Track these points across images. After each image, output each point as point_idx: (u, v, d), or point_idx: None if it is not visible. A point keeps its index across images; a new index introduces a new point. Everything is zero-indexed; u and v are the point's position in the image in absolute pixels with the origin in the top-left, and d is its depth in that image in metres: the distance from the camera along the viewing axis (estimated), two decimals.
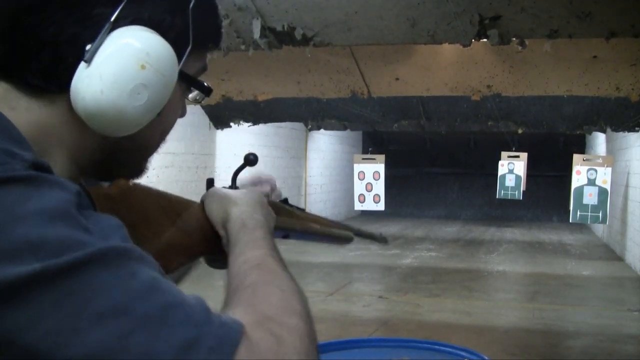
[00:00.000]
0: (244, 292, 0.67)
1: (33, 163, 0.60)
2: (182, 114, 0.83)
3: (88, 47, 0.66)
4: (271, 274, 0.72)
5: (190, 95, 0.82)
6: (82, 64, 0.66)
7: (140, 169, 0.82)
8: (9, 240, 0.53)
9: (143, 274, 0.57)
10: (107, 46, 0.67)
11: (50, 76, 0.68)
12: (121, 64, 0.67)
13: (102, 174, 0.78)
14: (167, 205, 0.86)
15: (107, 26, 0.67)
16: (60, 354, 0.52)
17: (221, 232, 0.84)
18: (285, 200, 1.02)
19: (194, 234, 0.84)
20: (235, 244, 0.78)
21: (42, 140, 0.68)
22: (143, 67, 0.67)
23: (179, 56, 0.72)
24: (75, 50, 0.67)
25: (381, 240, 1.29)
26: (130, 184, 0.82)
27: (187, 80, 0.77)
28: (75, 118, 0.69)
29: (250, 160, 0.93)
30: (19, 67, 0.68)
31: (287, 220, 0.98)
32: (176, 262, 0.84)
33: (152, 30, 0.70)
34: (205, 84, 0.81)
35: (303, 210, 1.04)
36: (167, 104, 0.73)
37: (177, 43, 0.72)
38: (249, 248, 0.77)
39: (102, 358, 0.52)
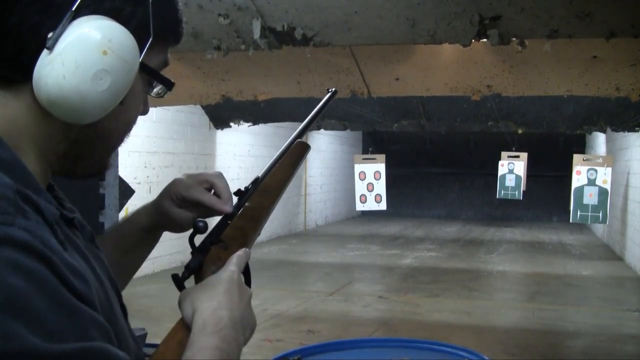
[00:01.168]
0: None
1: (22, 197, 0.62)
2: (145, 111, 0.83)
3: (50, 35, 0.67)
4: None
5: (154, 91, 0.82)
6: (45, 52, 0.67)
7: (102, 164, 0.81)
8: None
9: None
10: (69, 34, 0.68)
11: (15, 65, 0.69)
12: (83, 49, 0.68)
13: (66, 169, 0.78)
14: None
15: (68, 15, 0.68)
16: None
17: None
18: (239, 192, 0.97)
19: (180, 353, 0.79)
20: (190, 345, 0.76)
21: (14, 136, 0.69)
22: (105, 52, 0.68)
23: (140, 47, 0.73)
24: (37, 38, 0.68)
25: (332, 94, 1.19)
26: None
27: (148, 73, 0.78)
28: (39, 108, 0.70)
29: (200, 227, 0.89)
30: None
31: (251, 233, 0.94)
32: None
33: (112, 19, 0.71)
34: (167, 77, 0.81)
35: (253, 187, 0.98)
36: (129, 94, 0.74)
37: (138, 33, 0.73)
38: (200, 354, 0.75)
39: None
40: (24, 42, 0.68)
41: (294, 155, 1.05)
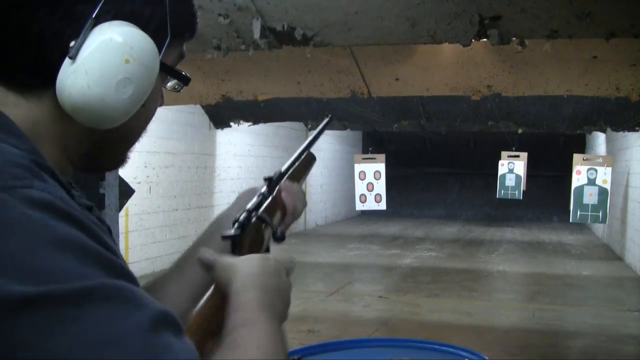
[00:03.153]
0: None
1: (37, 164, 0.63)
2: (161, 102, 0.84)
3: (72, 43, 0.68)
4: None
5: (169, 84, 0.83)
6: (67, 60, 0.68)
7: (122, 160, 0.83)
8: (20, 263, 0.55)
9: (145, 311, 0.58)
10: (91, 42, 0.68)
11: (35, 72, 0.69)
12: (106, 58, 0.68)
13: (87, 165, 0.80)
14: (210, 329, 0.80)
15: (89, 22, 0.68)
16: None
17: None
18: (269, 179, 1.02)
19: (212, 317, 0.80)
20: (228, 316, 0.75)
21: (33, 134, 0.69)
22: (127, 61, 0.69)
23: (159, 47, 0.74)
24: (59, 46, 0.68)
25: (329, 121, 1.30)
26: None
27: (166, 71, 0.79)
28: (61, 112, 0.70)
29: (278, 239, 0.95)
30: (5, 64, 0.69)
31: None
32: (206, 347, 0.78)
33: (133, 25, 0.71)
34: (183, 72, 0.82)
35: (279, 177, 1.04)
36: (150, 95, 0.75)
37: (157, 35, 0.74)
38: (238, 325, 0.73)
39: None
40: (45, 50, 0.69)
41: (303, 164, 1.13)
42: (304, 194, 1.08)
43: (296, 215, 1.04)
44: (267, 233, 0.95)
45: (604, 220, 8.61)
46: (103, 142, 0.76)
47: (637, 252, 9.46)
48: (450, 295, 7.65)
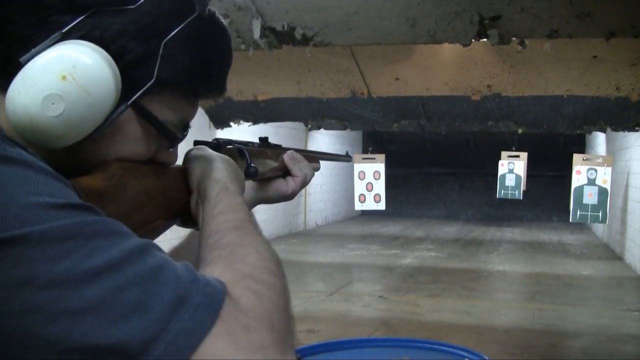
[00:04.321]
0: (222, 250, 0.70)
1: (6, 137, 0.63)
2: (170, 161, 0.83)
3: (32, 50, 0.67)
4: (249, 236, 0.73)
5: (168, 145, 0.81)
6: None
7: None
8: (3, 213, 0.55)
9: (134, 239, 0.60)
10: (46, 53, 0.66)
11: (2, 72, 0.68)
12: (42, 69, 0.65)
13: None
14: (156, 191, 0.81)
15: (56, 35, 0.67)
16: (57, 308, 0.54)
17: (194, 190, 0.84)
18: (265, 139, 1.09)
19: (170, 196, 0.83)
20: (217, 204, 0.78)
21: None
22: (64, 77, 0.65)
23: (135, 86, 0.71)
24: (24, 51, 0.67)
25: (346, 158, 1.39)
26: (120, 172, 0.75)
27: (146, 117, 0.74)
28: None
29: (251, 173, 0.96)
30: None
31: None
32: (151, 226, 0.80)
33: (96, 48, 0.68)
34: (179, 134, 0.80)
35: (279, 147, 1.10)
36: (115, 132, 0.72)
37: (134, 71, 0.71)
38: (230, 210, 0.77)
39: (98, 311, 0.55)
40: (12, 52, 0.68)
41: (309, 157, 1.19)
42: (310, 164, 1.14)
43: (306, 181, 1.10)
44: (241, 164, 0.97)
45: (603, 221, 8.60)
46: (56, 168, 0.71)
47: (637, 252, 9.46)
48: (450, 295, 7.65)
